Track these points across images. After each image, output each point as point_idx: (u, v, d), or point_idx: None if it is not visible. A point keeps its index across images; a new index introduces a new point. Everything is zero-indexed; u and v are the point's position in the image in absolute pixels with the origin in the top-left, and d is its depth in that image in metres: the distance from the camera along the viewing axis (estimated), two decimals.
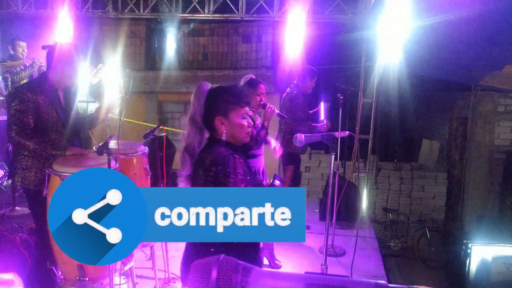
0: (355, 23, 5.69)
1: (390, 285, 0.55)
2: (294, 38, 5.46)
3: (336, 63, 7.00)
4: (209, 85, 1.84)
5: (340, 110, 3.92)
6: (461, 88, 7.44)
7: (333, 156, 1.83)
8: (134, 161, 2.83)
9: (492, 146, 7.39)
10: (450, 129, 8.02)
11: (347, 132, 1.90)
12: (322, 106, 4.04)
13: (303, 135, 1.85)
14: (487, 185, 7.47)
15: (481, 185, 7.52)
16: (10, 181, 4.45)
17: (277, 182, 1.74)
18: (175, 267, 3.40)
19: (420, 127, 9.32)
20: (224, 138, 1.77)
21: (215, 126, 1.79)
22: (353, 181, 5.64)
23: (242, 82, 2.25)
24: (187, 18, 6.18)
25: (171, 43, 7.52)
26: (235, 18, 6.02)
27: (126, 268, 2.65)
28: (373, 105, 5.83)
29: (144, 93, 7.81)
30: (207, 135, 1.83)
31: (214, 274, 0.55)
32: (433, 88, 8.20)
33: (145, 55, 7.87)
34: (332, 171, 1.82)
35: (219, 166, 1.65)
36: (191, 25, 7.50)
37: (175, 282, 3.19)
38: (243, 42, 7.78)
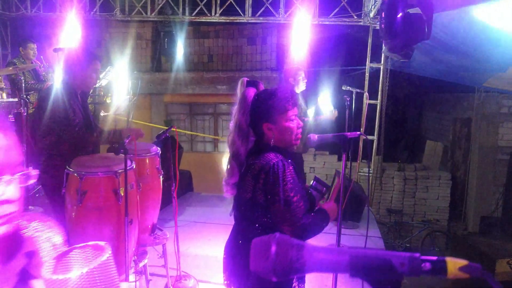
0: (360, 25, 5.76)
1: (422, 257, 0.61)
2: (299, 40, 5.52)
3: (342, 64, 7.07)
4: (253, 90, 1.77)
5: (347, 112, 3.98)
6: (465, 89, 7.49)
7: (345, 155, 1.89)
8: (147, 161, 2.89)
9: (496, 147, 7.44)
10: (454, 131, 8.07)
11: (358, 132, 1.95)
12: (318, 102, 4.12)
13: (316, 135, 1.90)
14: (491, 186, 7.51)
15: (485, 186, 7.57)
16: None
17: (314, 184, 1.77)
18: (186, 264, 3.47)
19: (424, 129, 9.37)
20: (272, 143, 1.72)
21: (263, 133, 1.73)
22: (358, 181, 5.70)
23: (239, 88, 2.13)
24: (193, 20, 6.25)
25: (177, 45, 7.61)
26: (241, 21, 6.08)
27: (140, 265, 2.71)
28: (378, 106, 5.88)
29: (150, 94, 7.90)
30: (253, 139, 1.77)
31: (273, 249, 0.62)
32: (436, 89, 8.25)
33: (151, 57, 7.96)
34: (344, 171, 1.87)
35: (268, 173, 1.62)
36: (197, 28, 7.58)
37: (186, 280, 3.25)
38: (248, 44, 7.87)
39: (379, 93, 5.84)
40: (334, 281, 2.35)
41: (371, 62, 5.81)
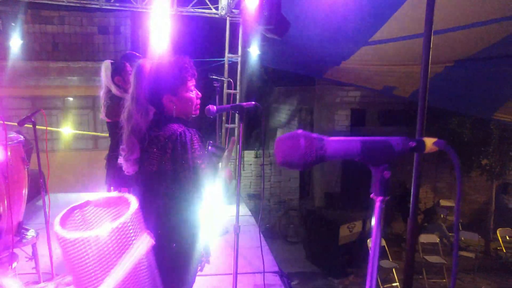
0: (218, 18, 5.98)
1: (408, 138, 0.77)
2: (157, 30, 5.42)
3: (201, 56, 7.22)
4: (149, 63, 1.71)
5: (217, 98, 4.14)
6: (308, 82, 8.50)
7: (242, 125, 2.01)
8: (9, 151, 2.53)
9: (333, 132, 8.66)
10: (300, 119, 9.08)
11: (253, 102, 2.10)
12: None
13: (214, 106, 1.97)
14: (331, 166, 8.72)
15: (326, 167, 8.74)
16: None
17: (211, 148, 1.81)
18: (61, 267, 3.12)
19: (275, 118, 10.28)
20: (174, 114, 1.71)
21: (164, 105, 1.71)
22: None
23: (104, 72, 2.11)
24: (33, 1, 5.54)
25: (11, 30, 6.60)
26: (90, 7, 5.65)
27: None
28: (238, 96, 6.21)
29: None
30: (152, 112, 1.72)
31: (302, 141, 0.72)
32: (286, 82, 9.15)
33: None
34: (241, 143, 2.00)
35: (176, 142, 1.62)
36: (37, 11, 6.73)
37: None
38: (100, 33, 7.35)
39: (238, 83, 6.18)
40: (235, 254, 2.46)
41: (229, 53, 6.09)
